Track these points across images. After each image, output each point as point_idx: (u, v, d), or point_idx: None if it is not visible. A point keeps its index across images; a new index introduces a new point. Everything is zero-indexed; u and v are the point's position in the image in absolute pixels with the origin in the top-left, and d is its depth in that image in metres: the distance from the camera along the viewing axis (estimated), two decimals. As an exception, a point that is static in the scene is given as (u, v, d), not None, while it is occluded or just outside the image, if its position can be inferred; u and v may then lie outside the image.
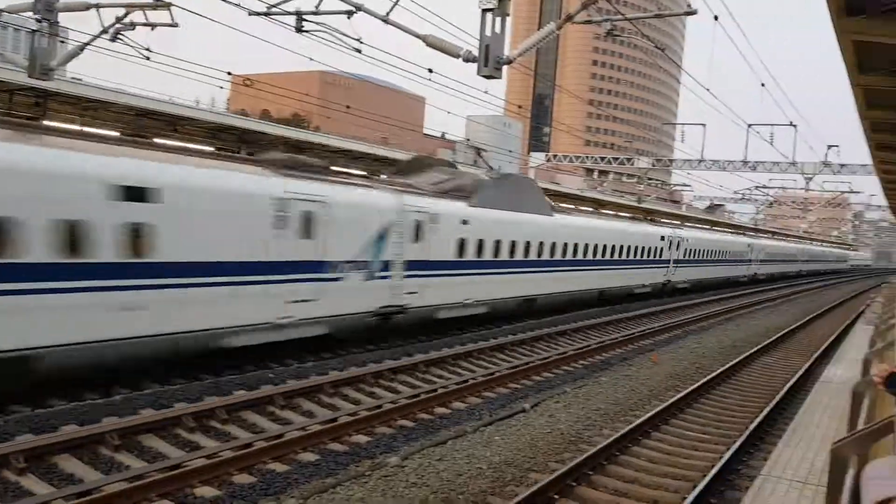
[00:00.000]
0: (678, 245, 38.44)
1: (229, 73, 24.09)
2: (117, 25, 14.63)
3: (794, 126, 33.32)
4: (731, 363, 17.80)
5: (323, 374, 13.61)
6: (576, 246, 26.83)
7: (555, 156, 51.12)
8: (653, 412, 12.32)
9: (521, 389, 14.43)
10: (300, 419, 11.18)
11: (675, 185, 74.67)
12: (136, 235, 11.62)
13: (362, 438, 10.49)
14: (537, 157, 54.69)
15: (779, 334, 24.16)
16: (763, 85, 23.99)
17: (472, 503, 8.35)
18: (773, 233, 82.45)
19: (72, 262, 10.78)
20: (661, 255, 36.18)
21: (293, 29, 12.03)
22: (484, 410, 12.59)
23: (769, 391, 15.38)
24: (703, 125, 40.36)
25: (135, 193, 11.51)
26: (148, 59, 16.12)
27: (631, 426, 11.30)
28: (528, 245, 23.31)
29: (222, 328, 13.22)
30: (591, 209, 38.13)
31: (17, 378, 10.37)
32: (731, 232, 58.90)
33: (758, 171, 40.69)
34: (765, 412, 12.82)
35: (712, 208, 75.29)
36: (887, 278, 74.64)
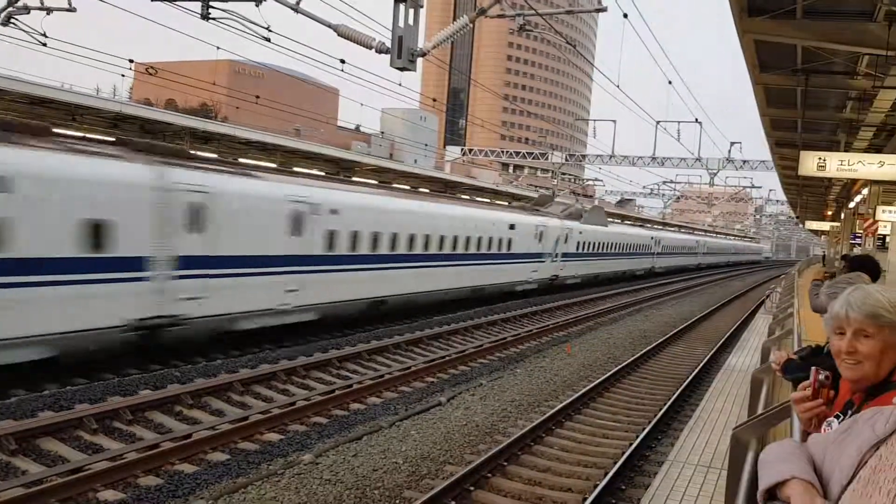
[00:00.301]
0: (659, 242, 55.22)
1: (131, 61, 23.22)
2: (10, 9, 13.84)
3: (699, 123, 34.41)
4: (640, 353, 18.33)
5: (233, 371, 13.28)
6: (615, 244, 43.55)
7: (470, 150, 51.36)
8: (566, 402, 12.57)
9: (437, 383, 14.45)
10: (209, 418, 10.88)
11: (588, 179, 76.29)
12: (509, 242, 28.09)
13: (275, 437, 10.29)
14: (453, 151, 54.89)
15: (685, 324, 25.03)
16: (670, 83, 24.61)
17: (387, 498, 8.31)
18: (717, 232, 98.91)
19: (500, 252, 27.42)
20: (650, 250, 52.91)
21: (199, 16, 11.64)
22: (400, 405, 12.54)
23: (676, 379, 15.91)
24: (614, 121, 41.32)
25: (511, 226, 28.45)
26: (44, 44, 15.28)
27: (545, 416, 11.49)
28: (599, 244, 40.00)
29: (517, 281, 29.52)
30: (618, 220, 52.88)
31: (478, 298, 26.19)
32: (685, 232, 75.43)
33: (665, 167, 41.90)
34: (671, 399, 13.27)
35: (623, 203, 77.28)
36: (785, 269, 78.35)
